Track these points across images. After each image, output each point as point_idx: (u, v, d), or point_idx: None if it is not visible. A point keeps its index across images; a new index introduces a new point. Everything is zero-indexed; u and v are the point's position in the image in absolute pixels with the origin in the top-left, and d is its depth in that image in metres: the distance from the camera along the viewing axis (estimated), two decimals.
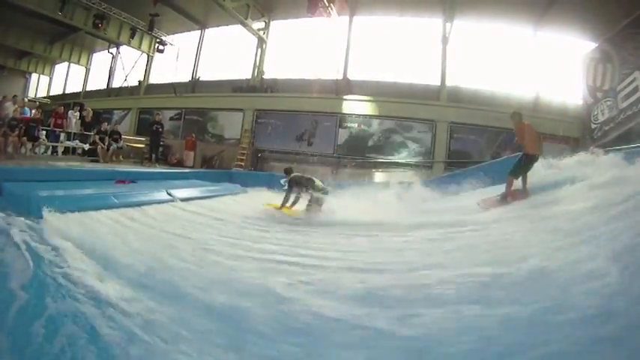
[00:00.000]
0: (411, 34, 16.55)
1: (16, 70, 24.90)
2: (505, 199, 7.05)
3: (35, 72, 25.90)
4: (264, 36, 18.32)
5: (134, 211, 6.00)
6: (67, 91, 25.04)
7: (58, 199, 5.07)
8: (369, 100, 16.07)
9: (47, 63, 25.67)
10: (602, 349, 1.97)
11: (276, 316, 2.64)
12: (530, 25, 15.40)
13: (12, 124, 10.36)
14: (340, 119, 16.33)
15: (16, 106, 11.99)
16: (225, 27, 19.08)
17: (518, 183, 7.25)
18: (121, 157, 12.93)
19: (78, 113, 13.38)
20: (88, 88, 23.88)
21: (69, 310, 2.46)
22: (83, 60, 24.11)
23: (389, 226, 6.28)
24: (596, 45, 12.61)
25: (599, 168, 6.59)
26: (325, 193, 8.00)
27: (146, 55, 21.32)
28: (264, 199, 9.66)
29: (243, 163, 16.52)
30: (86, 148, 12.53)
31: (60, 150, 12.51)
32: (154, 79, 21.35)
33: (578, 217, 4.49)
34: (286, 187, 8.38)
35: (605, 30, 12.23)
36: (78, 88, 24.23)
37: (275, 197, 10.65)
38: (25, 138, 10.67)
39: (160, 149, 15.18)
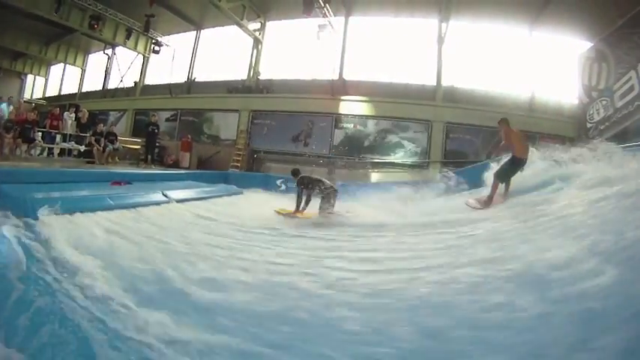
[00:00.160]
0: (407, 35, 16.56)
1: (12, 71, 24.76)
2: (491, 200, 7.15)
3: (31, 73, 25.74)
4: (260, 36, 18.33)
5: (130, 213, 6.02)
6: (62, 93, 24.94)
7: (54, 201, 5.07)
8: (364, 101, 16.11)
9: (43, 64, 25.59)
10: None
11: None
12: (526, 25, 15.46)
13: (7, 126, 10.34)
14: (336, 120, 16.38)
15: (12, 107, 11.95)
16: (221, 28, 19.08)
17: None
18: (117, 158, 12.88)
19: (74, 115, 13.30)
20: (84, 90, 23.79)
21: (59, 308, 2.49)
22: (79, 61, 24.04)
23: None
24: (592, 45, 12.66)
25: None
26: (335, 192, 7.90)
27: (142, 56, 21.28)
28: (261, 200, 9.67)
29: (239, 164, 16.49)
30: (82, 150, 12.49)
31: (56, 151, 12.48)
32: (149, 80, 21.28)
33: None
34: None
35: (601, 30, 12.28)
36: (74, 90, 24.16)
37: (272, 199, 10.72)
38: (20, 139, 10.65)
39: (156, 150, 15.13)
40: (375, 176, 15.31)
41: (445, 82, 15.64)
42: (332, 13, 15.43)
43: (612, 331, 2.08)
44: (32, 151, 11.31)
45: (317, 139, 16.49)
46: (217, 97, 18.46)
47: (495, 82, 15.57)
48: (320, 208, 7.69)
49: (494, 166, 7.96)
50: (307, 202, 7.93)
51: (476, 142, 14.96)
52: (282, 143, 16.87)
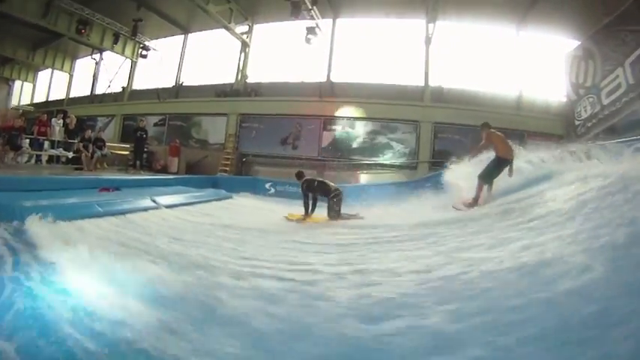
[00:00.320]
0: (394, 36, 16.73)
1: (0, 77, 24.61)
2: (476, 201, 7.26)
3: (19, 79, 25.53)
4: (248, 40, 18.39)
5: (118, 220, 6.03)
6: (50, 99, 24.74)
7: (42, 209, 5.07)
8: (352, 102, 16.19)
9: (30, 70, 25.32)
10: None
11: None
12: (513, 25, 15.67)
13: None
14: (324, 122, 16.47)
15: None
16: (209, 31, 19.10)
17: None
18: (105, 164, 12.86)
19: (61, 121, 13.25)
20: (72, 95, 23.62)
21: (44, 312, 2.54)
22: (66, 66, 23.84)
23: None
24: (579, 43, 12.79)
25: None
26: (340, 194, 7.94)
27: (130, 61, 21.22)
28: (251, 204, 9.70)
29: (227, 168, 16.53)
30: (70, 156, 12.45)
31: (44, 158, 12.42)
32: (137, 85, 21.23)
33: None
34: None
35: (588, 28, 12.44)
36: (61, 95, 23.96)
37: (261, 203, 10.78)
38: (7, 147, 10.60)
39: (144, 156, 15.12)
40: (363, 177, 15.42)
41: (433, 83, 15.79)
42: (319, 16, 15.50)
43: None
44: (19, 159, 11.27)
45: (306, 141, 16.56)
46: (205, 101, 18.48)
47: (483, 81, 15.77)
48: (328, 211, 7.78)
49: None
50: (314, 205, 7.96)
51: (464, 142, 15.07)
52: (270, 146, 16.93)
